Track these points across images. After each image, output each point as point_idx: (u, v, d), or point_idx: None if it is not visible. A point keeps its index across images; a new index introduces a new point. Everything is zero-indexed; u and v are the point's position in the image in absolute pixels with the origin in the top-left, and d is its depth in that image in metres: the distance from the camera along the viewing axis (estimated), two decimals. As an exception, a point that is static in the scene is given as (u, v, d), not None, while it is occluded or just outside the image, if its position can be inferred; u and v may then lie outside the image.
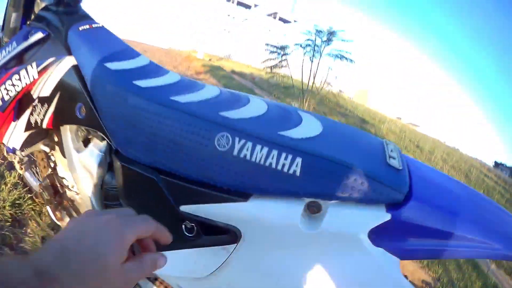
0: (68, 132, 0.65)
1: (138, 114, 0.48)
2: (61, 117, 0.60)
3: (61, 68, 0.59)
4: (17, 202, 1.41)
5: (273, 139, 0.40)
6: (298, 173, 0.39)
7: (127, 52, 0.62)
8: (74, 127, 0.65)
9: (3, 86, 0.63)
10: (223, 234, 0.46)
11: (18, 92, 0.62)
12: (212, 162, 0.42)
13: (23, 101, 0.64)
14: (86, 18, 0.67)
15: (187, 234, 0.48)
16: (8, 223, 1.34)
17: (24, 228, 1.34)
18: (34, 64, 0.60)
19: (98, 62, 0.56)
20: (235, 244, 0.44)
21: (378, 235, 0.38)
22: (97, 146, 0.62)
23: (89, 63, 0.56)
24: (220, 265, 0.45)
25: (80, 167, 0.64)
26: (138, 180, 0.49)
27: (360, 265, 0.38)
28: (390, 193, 0.36)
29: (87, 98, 0.55)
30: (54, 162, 0.84)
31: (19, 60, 0.64)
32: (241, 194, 0.41)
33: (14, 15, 0.66)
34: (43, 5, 0.65)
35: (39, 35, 0.61)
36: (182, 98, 0.48)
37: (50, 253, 0.25)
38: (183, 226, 0.48)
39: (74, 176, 0.66)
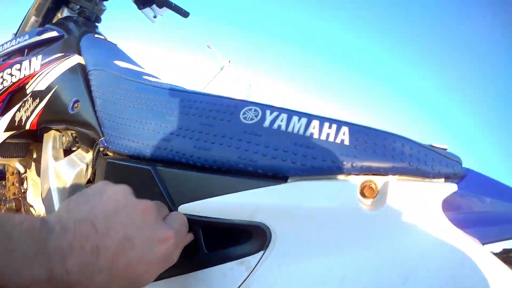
0: (51, 138, 0.56)
1: (140, 99, 0.42)
2: (50, 114, 0.52)
3: (66, 64, 0.54)
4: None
5: (311, 114, 0.33)
6: (347, 142, 0.30)
7: (138, 66, 0.60)
8: (57, 134, 0.56)
9: (0, 74, 0.57)
10: (239, 244, 0.33)
11: (13, 83, 0.56)
12: (234, 136, 0.33)
13: (15, 94, 0.57)
14: (102, 35, 0.67)
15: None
16: None
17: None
18: (39, 57, 0.56)
19: (105, 59, 0.52)
20: (261, 252, 0.30)
21: (448, 214, 0.29)
22: (78, 156, 0.52)
23: (96, 60, 0.53)
24: (235, 290, 0.31)
25: (53, 176, 0.52)
26: (128, 176, 0.39)
27: (441, 252, 0.27)
28: (449, 163, 0.30)
29: (85, 93, 0.49)
30: (25, 188, 0.71)
31: (26, 53, 0.61)
32: (272, 178, 0.31)
33: (33, 18, 0.66)
34: (65, 15, 0.66)
35: (53, 33, 0.59)
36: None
37: (75, 255, 0.20)
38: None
39: (43, 187, 0.53)
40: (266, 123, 0.33)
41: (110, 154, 0.43)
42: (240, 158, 0.32)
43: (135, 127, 0.40)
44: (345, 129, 0.31)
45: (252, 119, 0.34)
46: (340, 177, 0.29)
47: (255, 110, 0.35)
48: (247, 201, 0.31)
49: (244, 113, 0.35)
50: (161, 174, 0.35)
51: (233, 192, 0.31)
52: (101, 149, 0.44)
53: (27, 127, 0.55)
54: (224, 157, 0.33)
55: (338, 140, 0.30)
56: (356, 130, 0.31)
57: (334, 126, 0.31)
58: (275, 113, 0.34)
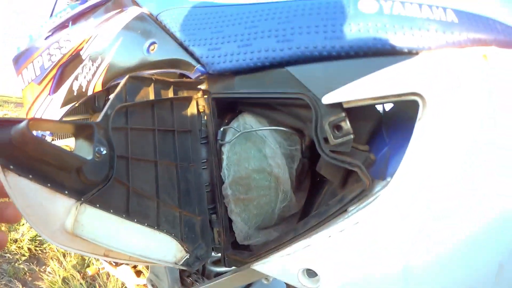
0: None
1: (228, 18, 0.44)
2: (120, 66, 0.50)
3: (127, 15, 0.52)
4: (38, 238, 1.34)
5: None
6: (457, 21, 0.35)
7: None
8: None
9: (46, 51, 0.52)
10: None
11: (63, 54, 0.52)
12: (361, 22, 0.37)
13: (67, 66, 0.53)
14: None
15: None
16: (24, 257, 1.29)
17: (44, 266, 1.27)
18: (90, 20, 0.52)
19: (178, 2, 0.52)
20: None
21: None
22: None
23: (161, 3, 0.52)
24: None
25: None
26: None
27: None
28: None
29: (161, 33, 0.48)
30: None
31: (71, 25, 0.56)
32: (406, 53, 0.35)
33: None
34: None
35: (96, -1, 0.56)
36: None
37: None
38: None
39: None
40: (386, 10, 0.37)
41: (206, 86, 0.45)
42: (375, 39, 0.36)
43: (237, 40, 0.41)
44: (449, 10, 0.36)
45: (371, 9, 0.38)
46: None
47: (372, 2, 0.38)
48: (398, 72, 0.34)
49: (360, 3, 0.38)
50: (297, 73, 0.38)
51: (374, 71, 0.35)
52: (199, 80, 0.44)
53: (90, 91, 0.52)
54: (361, 40, 0.36)
55: (449, 19, 0.35)
56: (460, 13, 0.36)
57: (440, 8, 0.36)
58: (389, 2, 0.38)
